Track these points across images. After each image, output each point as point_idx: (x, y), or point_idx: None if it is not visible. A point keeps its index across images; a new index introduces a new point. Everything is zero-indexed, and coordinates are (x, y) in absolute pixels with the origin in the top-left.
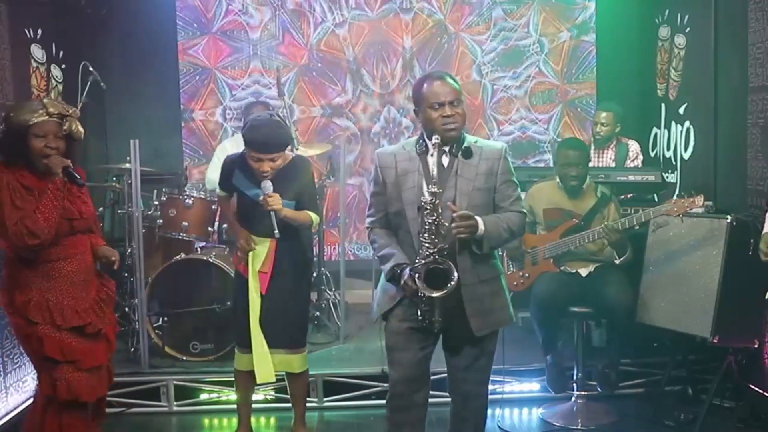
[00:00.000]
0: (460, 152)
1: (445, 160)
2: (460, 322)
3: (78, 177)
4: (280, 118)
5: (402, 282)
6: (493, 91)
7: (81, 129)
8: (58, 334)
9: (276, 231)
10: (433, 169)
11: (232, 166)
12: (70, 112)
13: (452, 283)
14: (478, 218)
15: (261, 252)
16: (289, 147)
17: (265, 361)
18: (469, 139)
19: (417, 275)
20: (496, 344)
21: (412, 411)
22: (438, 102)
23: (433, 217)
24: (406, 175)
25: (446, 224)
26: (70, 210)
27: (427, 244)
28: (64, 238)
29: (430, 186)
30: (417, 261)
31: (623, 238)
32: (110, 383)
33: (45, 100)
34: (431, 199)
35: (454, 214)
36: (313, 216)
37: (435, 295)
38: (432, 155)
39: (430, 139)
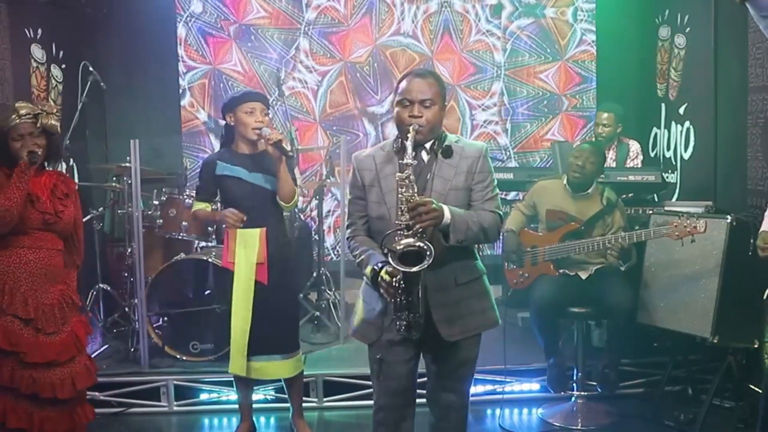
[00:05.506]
0: (440, 151)
1: (425, 157)
2: (436, 327)
3: (36, 153)
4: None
5: (380, 279)
6: None
7: (54, 123)
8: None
9: (290, 151)
10: (409, 147)
11: (212, 165)
12: (44, 108)
13: (428, 257)
14: (444, 206)
15: (253, 243)
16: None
17: (241, 355)
18: (451, 137)
19: (391, 256)
20: (478, 351)
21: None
22: (408, 99)
23: (409, 193)
24: (387, 177)
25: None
26: (46, 204)
27: (403, 226)
28: (35, 231)
29: (404, 160)
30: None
31: (629, 249)
32: (90, 381)
33: (16, 104)
34: (405, 173)
35: (411, 202)
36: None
37: (412, 270)
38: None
39: (404, 138)
